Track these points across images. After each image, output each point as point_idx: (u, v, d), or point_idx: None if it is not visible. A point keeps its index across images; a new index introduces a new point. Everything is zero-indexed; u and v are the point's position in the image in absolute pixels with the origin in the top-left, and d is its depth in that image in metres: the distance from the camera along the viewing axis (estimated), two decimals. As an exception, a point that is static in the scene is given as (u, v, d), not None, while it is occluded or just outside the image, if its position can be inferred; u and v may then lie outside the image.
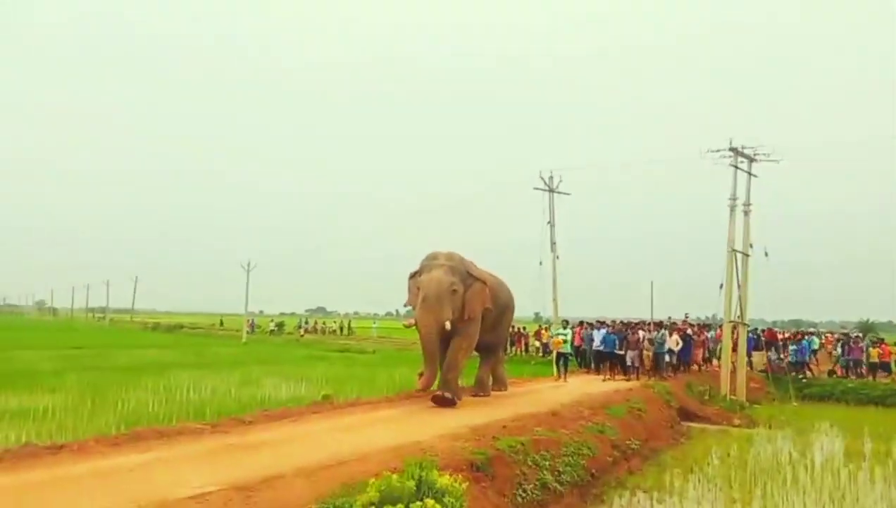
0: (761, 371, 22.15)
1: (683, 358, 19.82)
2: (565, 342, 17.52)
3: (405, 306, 12.78)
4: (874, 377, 20.74)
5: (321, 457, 6.62)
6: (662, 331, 19.00)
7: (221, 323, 61.21)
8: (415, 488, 4.54)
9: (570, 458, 8.74)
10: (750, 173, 18.65)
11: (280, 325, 51.05)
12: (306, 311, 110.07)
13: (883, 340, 23.24)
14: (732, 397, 18.30)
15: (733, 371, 18.82)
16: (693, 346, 20.35)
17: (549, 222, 23.03)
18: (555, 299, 22.62)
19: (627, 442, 10.82)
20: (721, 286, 18.57)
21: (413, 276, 12.27)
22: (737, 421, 15.38)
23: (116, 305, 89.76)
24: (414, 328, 11.93)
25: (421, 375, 12.05)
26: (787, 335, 25.46)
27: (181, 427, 8.00)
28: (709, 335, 22.41)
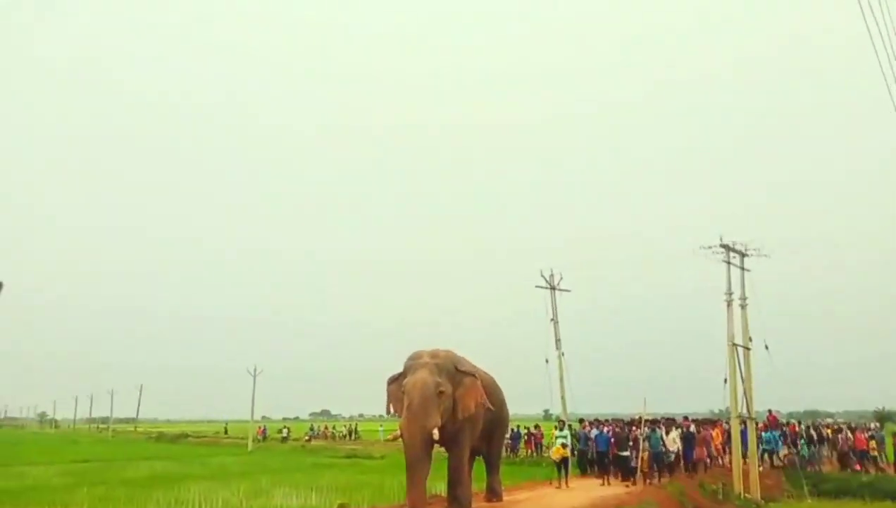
0: (777, 466, 21.96)
1: (687, 457, 19.26)
2: (565, 447, 16.51)
3: (389, 414, 11.54)
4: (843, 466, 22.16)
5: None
6: (658, 430, 17.96)
7: (226, 431, 60.36)
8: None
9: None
10: (742, 268, 19.33)
11: (287, 431, 50.52)
12: (310, 415, 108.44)
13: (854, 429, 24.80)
14: (747, 495, 18.13)
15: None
16: (695, 444, 19.93)
17: (552, 320, 23.54)
18: (562, 397, 22.78)
19: (642, 543, 10.87)
20: (725, 381, 18.80)
21: (394, 381, 11.20)
22: (752, 520, 15.26)
23: (119, 414, 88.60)
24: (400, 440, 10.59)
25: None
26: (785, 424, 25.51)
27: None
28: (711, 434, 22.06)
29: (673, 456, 17.64)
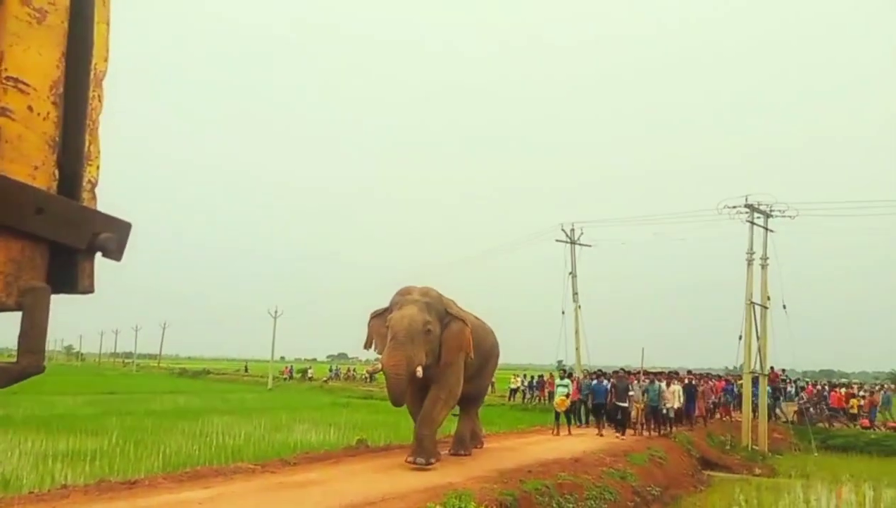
0: (788, 422, 22.31)
1: (687, 410, 18.55)
2: (568, 396, 15.95)
3: (365, 348, 10.65)
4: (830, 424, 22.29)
5: (365, 495, 7.27)
6: (657, 383, 17.06)
7: (246, 369, 61.95)
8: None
9: (593, 502, 9.24)
10: (766, 229, 19.27)
11: (311, 371, 51.86)
12: (328, 357, 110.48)
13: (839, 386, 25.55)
14: (755, 447, 18.53)
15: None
16: (696, 397, 19.34)
17: (570, 273, 23.73)
18: (577, 348, 23.17)
19: (648, 489, 11.23)
20: (740, 338, 19.00)
21: (378, 315, 10.43)
22: (757, 471, 15.66)
23: (143, 350, 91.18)
24: (380, 374, 10.11)
25: None
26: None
27: (235, 467, 8.71)
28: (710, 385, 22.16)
29: (671, 410, 16.65)
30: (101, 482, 7.53)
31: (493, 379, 14.57)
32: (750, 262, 19.06)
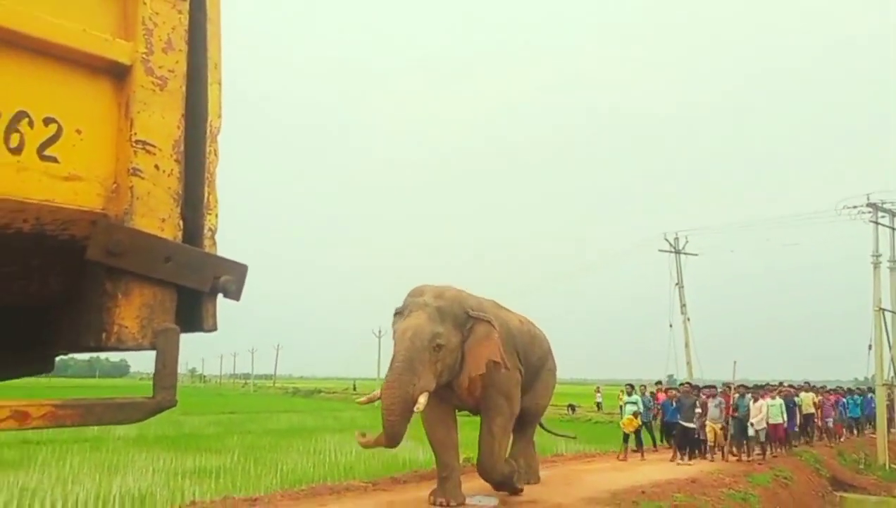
0: None
1: (790, 427, 15.61)
2: (638, 414, 13.88)
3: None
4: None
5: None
6: (746, 397, 14.60)
7: (354, 388, 63.72)
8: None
9: (713, 525, 8.79)
10: (893, 228, 17.85)
11: None
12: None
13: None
14: (893, 465, 17.03)
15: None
16: (797, 414, 16.18)
17: (676, 284, 22.90)
18: (688, 362, 22.27)
19: (773, 512, 10.56)
20: (870, 348, 17.61)
21: (398, 313, 8.09)
22: (897, 492, 14.35)
23: (259, 371, 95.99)
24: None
25: None
26: None
27: (347, 485, 8.98)
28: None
29: (761, 433, 14.00)
30: (226, 498, 7.99)
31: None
32: (876, 265, 17.67)
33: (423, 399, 7.13)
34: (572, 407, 30.35)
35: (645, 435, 14.74)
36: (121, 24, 1.40)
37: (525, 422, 9.77)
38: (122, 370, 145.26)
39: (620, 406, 14.88)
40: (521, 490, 8.83)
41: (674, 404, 14.09)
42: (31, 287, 1.45)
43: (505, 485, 8.45)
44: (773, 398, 14.83)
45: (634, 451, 13.90)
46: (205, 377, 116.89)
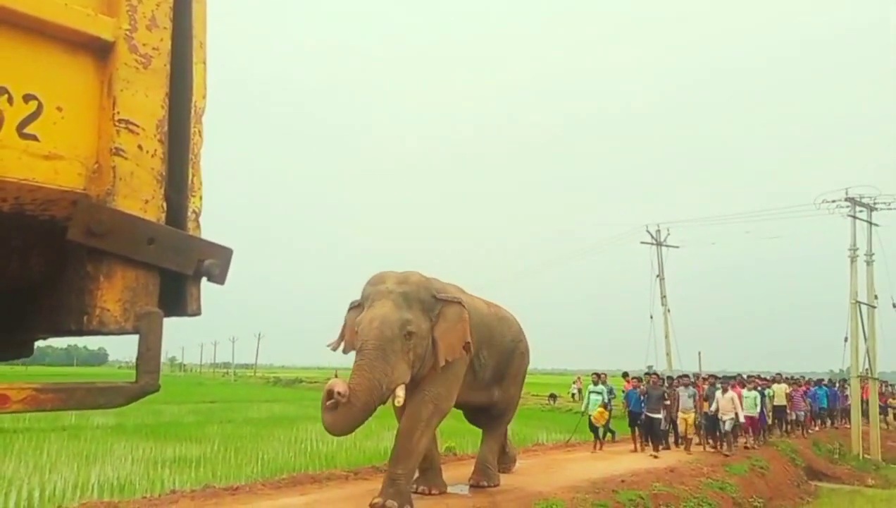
0: None
1: (762, 421, 15.46)
2: (605, 406, 13.57)
3: (333, 349, 7.60)
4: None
5: (456, 504, 7.31)
6: (715, 387, 14.30)
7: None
8: (549, 528, 5.09)
9: (691, 513, 8.91)
10: (871, 223, 18.11)
11: None
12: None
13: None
14: (867, 456, 17.37)
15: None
16: (766, 406, 15.91)
17: (657, 276, 23.08)
18: (668, 353, 22.49)
19: (750, 500, 10.71)
20: (846, 340, 17.91)
21: (355, 307, 7.53)
22: (871, 481, 14.65)
23: (240, 360, 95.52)
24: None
25: None
26: None
27: (329, 474, 8.98)
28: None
29: (729, 422, 13.53)
30: (207, 487, 7.96)
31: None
32: (853, 259, 17.94)
33: (401, 393, 6.63)
34: (553, 397, 30.59)
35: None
36: (104, 0, 1.37)
37: (497, 415, 9.20)
38: (100, 358, 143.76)
39: (583, 393, 14.68)
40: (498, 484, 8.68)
41: (640, 395, 13.71)
42: (10, 269, 1.42)
43: (401, 479, 7.08)
44: (750, 390, 14.83)
45: (597, 441, 13.74)
46: (185, 365, 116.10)
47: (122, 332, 1.36)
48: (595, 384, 14.05)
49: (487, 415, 9.14)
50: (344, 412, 6.28)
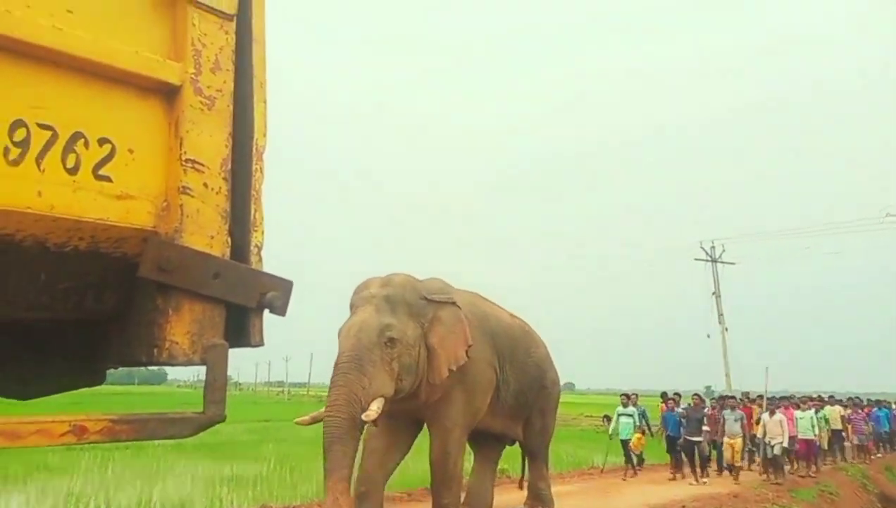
0: None
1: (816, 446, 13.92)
2: (644, 432, 12.86)
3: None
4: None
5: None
6: (762, 410, 13.38)
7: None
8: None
9: (756, 541, 8.57)
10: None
11: None
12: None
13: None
14: (945, 481, 16.39)
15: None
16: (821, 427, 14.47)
17: (713, 294, 22.50)
18: (727, 374, 21.81)
19: (819, 528, 10.26)
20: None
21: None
22: (951, 510, 13.81)
23: (293, 379, 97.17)
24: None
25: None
26: None
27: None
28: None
29: (777, 447, 12.39)
30: (264, 507, 8.06)
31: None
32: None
33: (375, 406, 5.51)
34: (608, 418, 29.95)
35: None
36: (171, 46, 1.44)
37: (534, 440, 8.12)
38: (160, 377, 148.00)
39: (605, 417, 14.01)
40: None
41: (679, 418, 12.86)
42: (86, 302, 1.49)
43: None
44: (804, 410, 13.73)
45: (627, 467, 12.79)
46: (240, 384, 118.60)
47: (189, 363, 1.41)
48: (625, 405, 13.22)
49: (527, 436, 8.04)
50: (327, 437, 5.45)
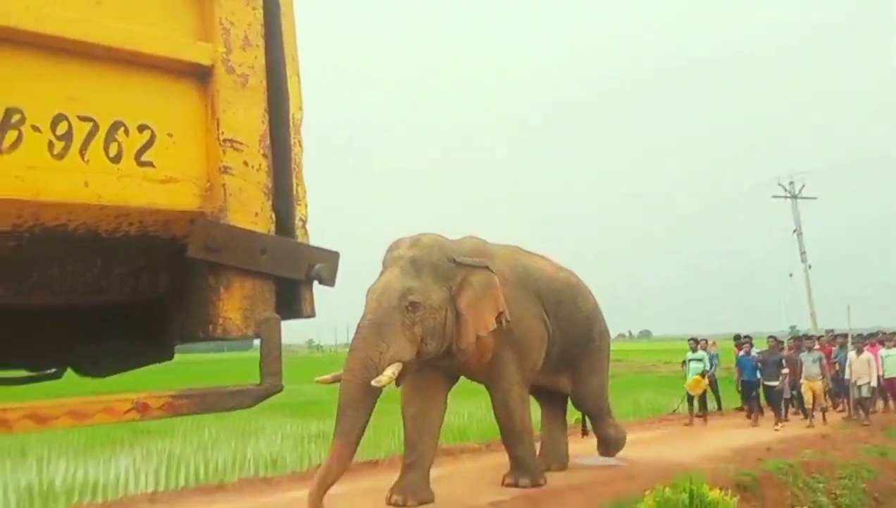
0: None
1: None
2: (705, 373, 12.19)
3: None
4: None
5: (591, 476, 7.33)
6: (845, 350, 12.80)
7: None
8: (688, 500, 4.98)
9: (847, 481, 8.32)
10: None
11: None
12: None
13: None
14: None
15: None
16: None
17: (794, 231, 21.52)
18: (812, 313, 20.99)
19: (917, 466, 9.84)
20: None
21: None
22: None
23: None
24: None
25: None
26: None
27: (461, 447, 9.24)
28: None
29: (864, 387, 11.92)
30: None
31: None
32: None
33: (390, 371, 5.46)
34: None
35: (710, 396, 12.90)
36: (199, 27, 1.45)
37: (588, 398, 8.16)
38: (247, 344, 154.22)
39: (683, 362, 13.43)
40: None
41: (756, 362, 12.30)
42: (141, 285, 1.55)
43: (528, 458, 7.02)
44: (889, 348, 12.76)
45: (699, 415, 12.25)
46: (321, 346, 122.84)
47: (244, 338, 1.46)
48: (693, 350, 12.66)
49: (580, 395, 8.11)
50: (343, 396, 5.65)
